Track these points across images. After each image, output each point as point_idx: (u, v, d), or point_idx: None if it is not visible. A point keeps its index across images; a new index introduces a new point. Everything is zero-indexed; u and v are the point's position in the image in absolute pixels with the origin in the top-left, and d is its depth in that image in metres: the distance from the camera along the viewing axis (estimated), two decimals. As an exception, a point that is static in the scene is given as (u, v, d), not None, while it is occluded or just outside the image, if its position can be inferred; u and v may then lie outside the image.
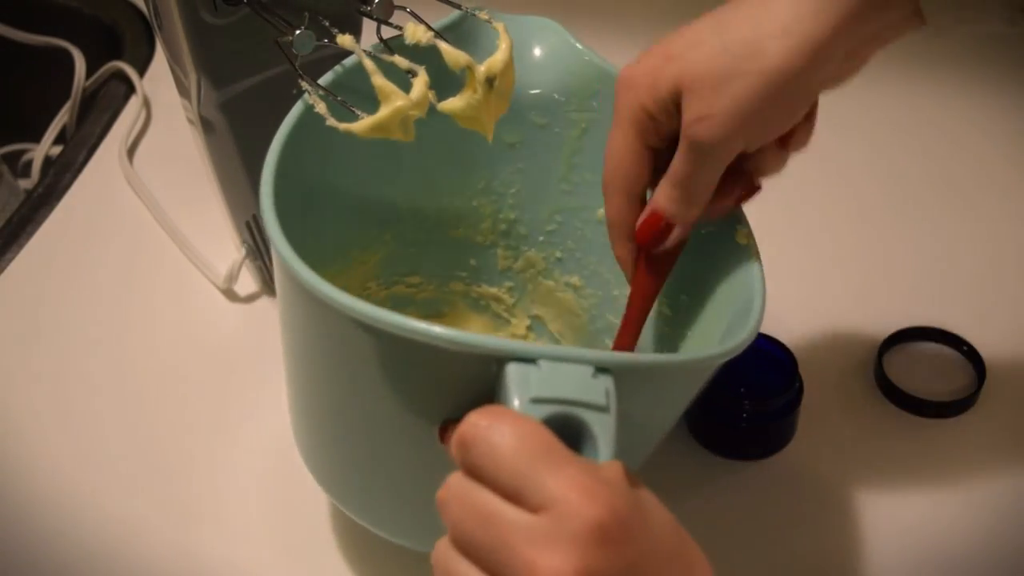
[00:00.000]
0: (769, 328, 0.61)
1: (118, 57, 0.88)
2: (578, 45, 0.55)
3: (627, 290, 0.52)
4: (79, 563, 0.56)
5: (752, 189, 0.49)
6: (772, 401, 0.59)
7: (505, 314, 0.65)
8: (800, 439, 0.60)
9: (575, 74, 0.55)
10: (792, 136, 0.47)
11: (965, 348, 0.64)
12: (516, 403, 0.36)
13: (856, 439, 0.61)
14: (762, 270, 0.48)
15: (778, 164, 0.48)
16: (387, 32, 0.55)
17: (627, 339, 0.51)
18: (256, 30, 0.57)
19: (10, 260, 0.73)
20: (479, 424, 0.34)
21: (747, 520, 0.58)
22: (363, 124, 0.49)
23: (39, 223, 0.75)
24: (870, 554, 0.55)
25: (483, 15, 0.52)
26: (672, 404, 0.48)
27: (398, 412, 0.44)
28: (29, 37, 0.90)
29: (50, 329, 0.69)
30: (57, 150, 0.85)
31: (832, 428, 0.61)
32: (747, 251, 0.49)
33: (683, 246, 0.49)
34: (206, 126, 0.68)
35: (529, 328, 0.64)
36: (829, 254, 0.72)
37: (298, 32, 0.53)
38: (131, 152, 0.81)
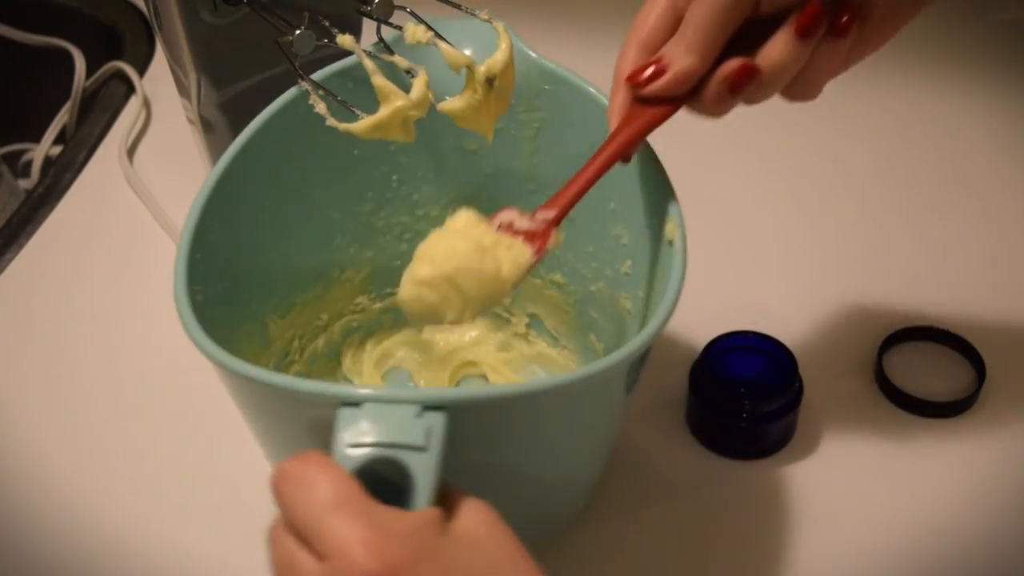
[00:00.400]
0: (769, 328, 0.61)
1: (118, 57, 0.88)
2: (521, 45, 0.54)
3: (601, 284, 0.52)
4: (79, 563, 0.56)
5: (753, 70, 0.45)
6: (772, 401, 0.59)
7: (505, 314, 0.65)
8: (800, 439, 0.60)
9: (520, 75, 0.54)
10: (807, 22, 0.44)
11: (965, 348, 0.64)
12: (335, 448, 0.38)
13: (856, 439, 0.61)
14: (680, 278, 0.46)
15: (788, 54, 0.44)
16: (387, 32, 0.55)
17: (573, 189, 0.47)
18: (256, 30, 0.57)
19: (10, 260, 0.73)
20: (287, 471, 0.37)
21: (747, 520, 0.58)
22: (363, 124, 0.49)
23: (39, 223, 0.75)
24: (870, 554, 0.55)
25: (483, 15, 0.52)
26: (582, 422, 0.48)
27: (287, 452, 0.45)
28: (29, 37, 0.90)
29: (50, 329, 0.69)
30: (57, 150, 0.85)
31: (832, 428, 0.61)
32: (674, 252, 0.47)
33: (667, 115, 0.47)
34: (206, 126, 0.68)
35: (528, 326, 0.64)
36: (829, 254, 0.72)
37: (298, 32, 0.53)
38: (131, 152, 0.81)
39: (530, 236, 0.46)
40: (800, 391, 0.60)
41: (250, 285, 0.55)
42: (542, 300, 0.63)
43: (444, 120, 0.52)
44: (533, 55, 0.54)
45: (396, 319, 0.65)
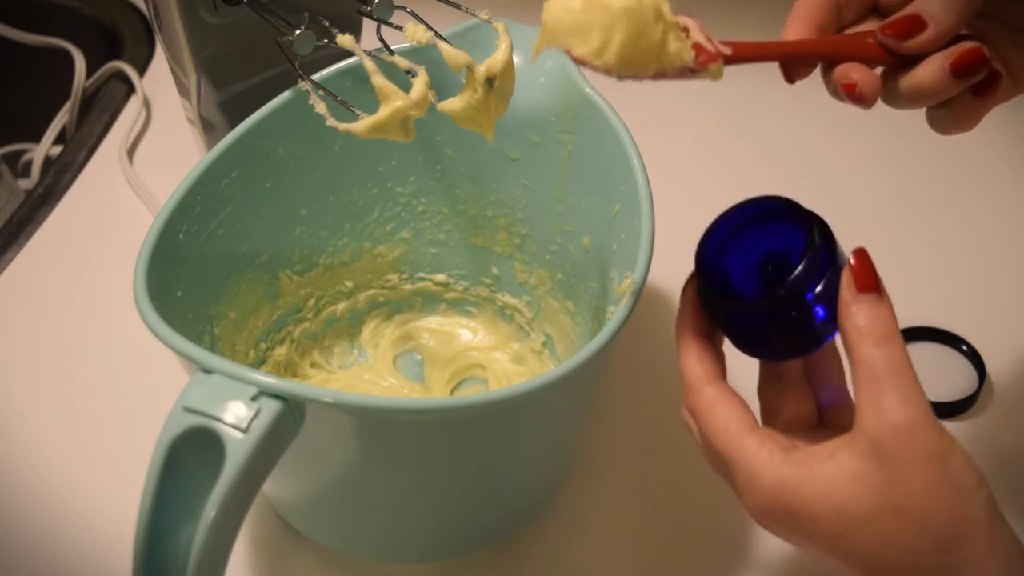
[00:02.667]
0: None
1: (118, 57, 0.88)
2: (569, 65, 0.55)
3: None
4: (79, 563, 0.56)
5: (984, 59, 0.42)
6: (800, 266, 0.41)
7: (526, 327, 0.65)
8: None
9: (563, 95, 0.55)
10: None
11: (965, 348, 0.64)
12: (174, 405, 0.40)
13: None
14: (633, 300, 0.45)
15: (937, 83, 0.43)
16: (387, 32, 0.55)
17: (756, 47, 0.43)
18: (256, 30, 0.57)
19: (10, 260, 0.73)
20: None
21: (746, 519, 0.58)
22: (362, 124, 0.49)
23: (39, 223, 0.75)
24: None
25: (483, 15, 0.52)
26: (539, 428, 0.49)
27: None
28: (29, 37, 0.90)
29: (50, 329, 0.69)
30: (57, 150, 0.85)
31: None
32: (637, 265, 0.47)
33: (874, 58, 0.43)
34: (206, 126, 0.68)
35: (544, 344, 0.64)
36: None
37: (298, 32, 0.53)
38: (131, 152, 0.81)
39: (699, 49, 0.41)
40: (828, 250, 0.42)
41: (261, 236, 0.56)
42: (556, 324, 0.63)
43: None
44: (578, 78, 0.54)
45: (425, 304, 0.66)
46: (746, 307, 0.42)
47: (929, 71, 0.42)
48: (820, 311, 0.41)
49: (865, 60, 0.43)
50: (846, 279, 0.39)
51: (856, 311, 0.39)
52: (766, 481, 0.39)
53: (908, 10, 0.42)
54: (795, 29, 0.44)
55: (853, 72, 0.42)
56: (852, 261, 0.40)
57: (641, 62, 0.40)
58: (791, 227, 0.42)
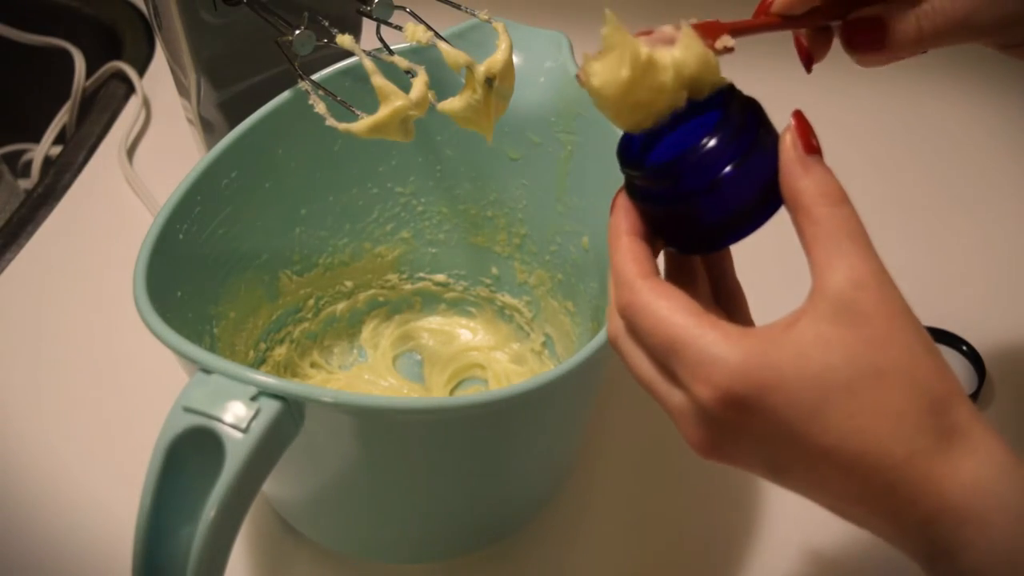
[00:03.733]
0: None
1: (118, 57, 0.88)
2: (569, 64, 0.55)
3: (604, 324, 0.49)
4: (79, 563, 0.56)
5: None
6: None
7: (526, 327, 0.65)
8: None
9: (563, 95, 0.55)
10: None
11: (965, 348, 0.64)
12: (174, 405, 0.40)
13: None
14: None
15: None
16: (387, 32, 0.55)
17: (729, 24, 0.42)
18: (256, 30, 0.57)
19: (10, 260, 0.73)
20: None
21: (743, 519, 0.58)
22: (362, 124, 0.49)
23: (39, 223, 0.75)
24: (869, 554, 0.55)
25: (483, 15, 0.52)
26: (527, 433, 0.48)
27: None
28: (29, 37, 0.90)
29: (50, 329, 0.69)
30: (57, 150, 0.85)
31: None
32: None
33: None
34: (206, 126, 0.68)
35: (544, 344, 0.64)
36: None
37: (298, 32, 0.53)
38: (131, 152, 0.81)
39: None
40: (752, 126, 0.38)
41: (260, 236, 0.56)
42: (556, 324, 0.63)
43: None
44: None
45: (425, 304, 0.66)
46: (672, 193, 0.38)
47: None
48: (747, 187, 0.37)
49: (769, 28, 0.45)
50: (791, 139, 0.36)
51: (807, 171, 0.36)
52: (732, 358, 0.33)
53: None
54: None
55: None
56: (793, 122, 0.37)
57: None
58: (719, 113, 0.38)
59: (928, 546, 0.33)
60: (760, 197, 0.37)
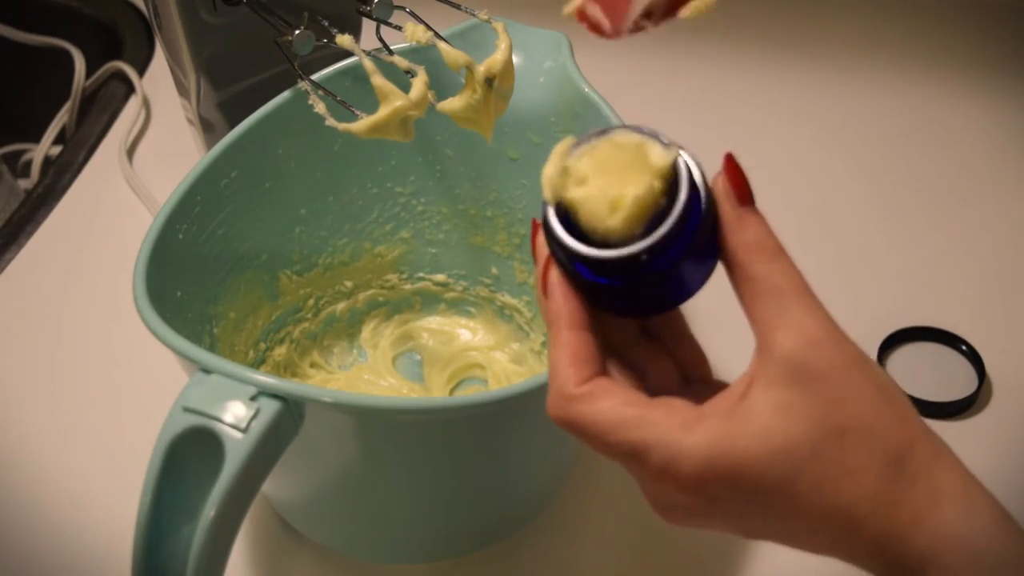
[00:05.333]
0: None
1: (118, 57, 0.88)
2: (569, 64, 0.55)
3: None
4: (79, 563, 0.56)
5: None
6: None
7: (526, 327, 0.65)
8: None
9: (563, 95, 0.55)
10: None
11: (965, 348, 0.64)
12: (173, 405, 0.40)
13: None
14: None
15: None
16: (387, 32, 0.55)
17: None
18: (256, 30, 0.57)
19: (10, 260, 0.73)
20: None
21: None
22: (362, 124, 0.49)
23: (39, 223, 0.75)
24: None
25: (483, 15, 0.52)
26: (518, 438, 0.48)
27: None
28: (29, 37, 0.90)
29: (50, 329, 0.69)
30: (57, 150, 0.85)
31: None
32: None
33: None
34: (206, 126, 0.68)
35: (544, 344, 0.64)
36: (829, 254, 0.72)
37: (298, 32, 0.53)
38: (131, 152, 0.81)
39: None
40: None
41: (260, 236, 0.56)
42: None
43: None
44: (577, 77, 0.54)
45: (425, 304, 0.66)
46: (623, 278, 0.35)
47: None
48: (705, 256, 0.35)
49: None
50: (724, 191, 0.35)
51: (743, 228, 0.34)
52: (696, 451, 0.33)
53: None
54: None
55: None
56: (724, 172, 0.35)
57: None
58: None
59: None
60: (711, 254, 0.36)
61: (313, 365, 0.63)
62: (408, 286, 0.66)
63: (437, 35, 0.51)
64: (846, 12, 0.91)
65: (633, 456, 0.34)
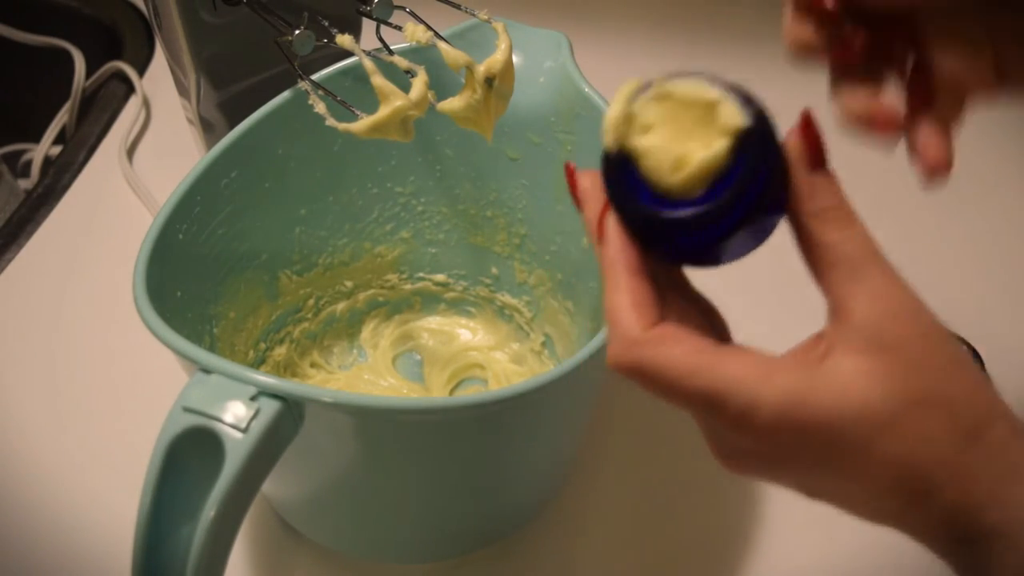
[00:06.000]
0: (768, 331, 0.61)
1: (118, 57, 0.88)
2: (568, 64, 0.55)
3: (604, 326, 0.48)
4: (78, 563, 0.56)
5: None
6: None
7: (526, 327, 0.65)
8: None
9: (563, 95, 0.55)
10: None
11: (965, 348, 0.64)
12: (174, 404, 0.40)
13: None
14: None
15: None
16: (387, 32, 0.55)
17: None
18: (256, 30, 0.57)
19: (10, 260, 0.73)
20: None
21: (744, 518, 0.58)
22: (362, 124, 0.49)
23: (39, 223, 0.75)
24: (869, 553, 0.55)
25: (483, 15, 0.52)
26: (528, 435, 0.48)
27: None
28: (29, 37, 0.90)
29: (50, 329, 0.69)
30: (57, 150, 0.85)
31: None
32: None
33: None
34: (206, 126, 0.68)
35: (543, 344, 0.64)
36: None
37: (298, 32, 0.53)
38: (131, 152, 0.81)
39: None
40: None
41: (260, 236, 0.56)
42: (556, 324, 0.63)
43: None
44: (577, 77, 0.54)
45: (425, 304, 0.66)
46: (687, 225, 0.35)
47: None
48: (767, 211, 0.35)
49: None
50: (797, 153, 0.34)
51: (815, 194, 0.34)
52: (773, 399, 0.32)
53: None
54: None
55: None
56: (799, 131, 0.34)
57: None
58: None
59: (961, 559, 0.33)
60: (778, 210, 0.35)
61: (313, 365, 0.63)
62: (408, 286, 0.66)
63: (437, 35, 0.51)
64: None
65: (708, 403, 0.33)
